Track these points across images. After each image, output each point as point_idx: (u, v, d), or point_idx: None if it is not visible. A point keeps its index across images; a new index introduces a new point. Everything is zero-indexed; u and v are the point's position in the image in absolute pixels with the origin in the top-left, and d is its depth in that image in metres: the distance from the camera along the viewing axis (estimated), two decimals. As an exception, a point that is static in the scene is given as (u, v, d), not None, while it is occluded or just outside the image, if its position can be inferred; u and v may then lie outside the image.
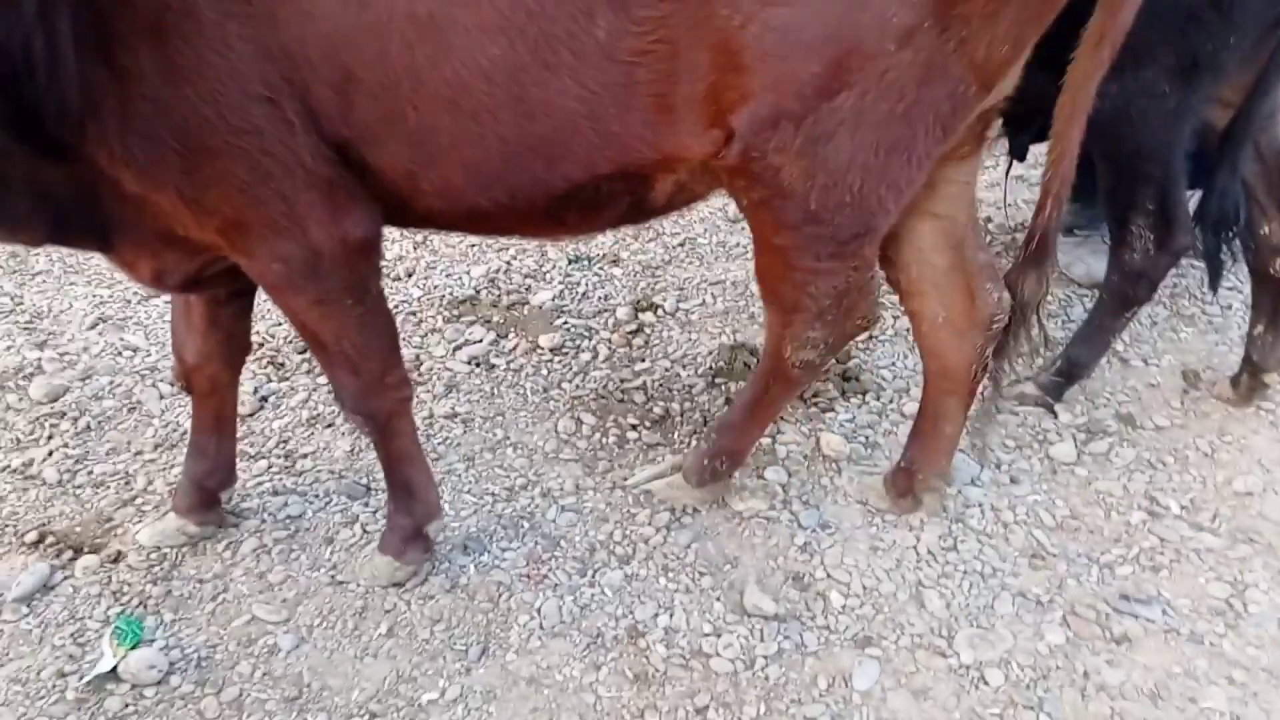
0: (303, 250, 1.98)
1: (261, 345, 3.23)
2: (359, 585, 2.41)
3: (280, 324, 3.29)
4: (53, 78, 1.75)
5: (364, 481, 2.72)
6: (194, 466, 2.55)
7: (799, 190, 1.91)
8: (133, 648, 2.25)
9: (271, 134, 1.85)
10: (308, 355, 3.16)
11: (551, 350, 3.24)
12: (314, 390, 3.06)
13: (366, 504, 2.65)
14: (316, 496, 2.69)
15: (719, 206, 4.00)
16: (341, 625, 2.33)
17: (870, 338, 3.17)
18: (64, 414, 2.98)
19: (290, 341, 3.25)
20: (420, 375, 3.13)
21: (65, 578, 2.45)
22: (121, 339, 3.33)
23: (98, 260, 3.45)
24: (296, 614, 2.35)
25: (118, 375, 3.16)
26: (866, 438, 2.83)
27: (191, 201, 1.92)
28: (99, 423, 2.96)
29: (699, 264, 3.73)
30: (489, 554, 2.50)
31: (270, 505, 2.65)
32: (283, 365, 3.18)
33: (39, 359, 3.20)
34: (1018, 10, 1.77)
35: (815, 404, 2.95)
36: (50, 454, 2.83)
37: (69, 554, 2.51)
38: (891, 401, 2.97)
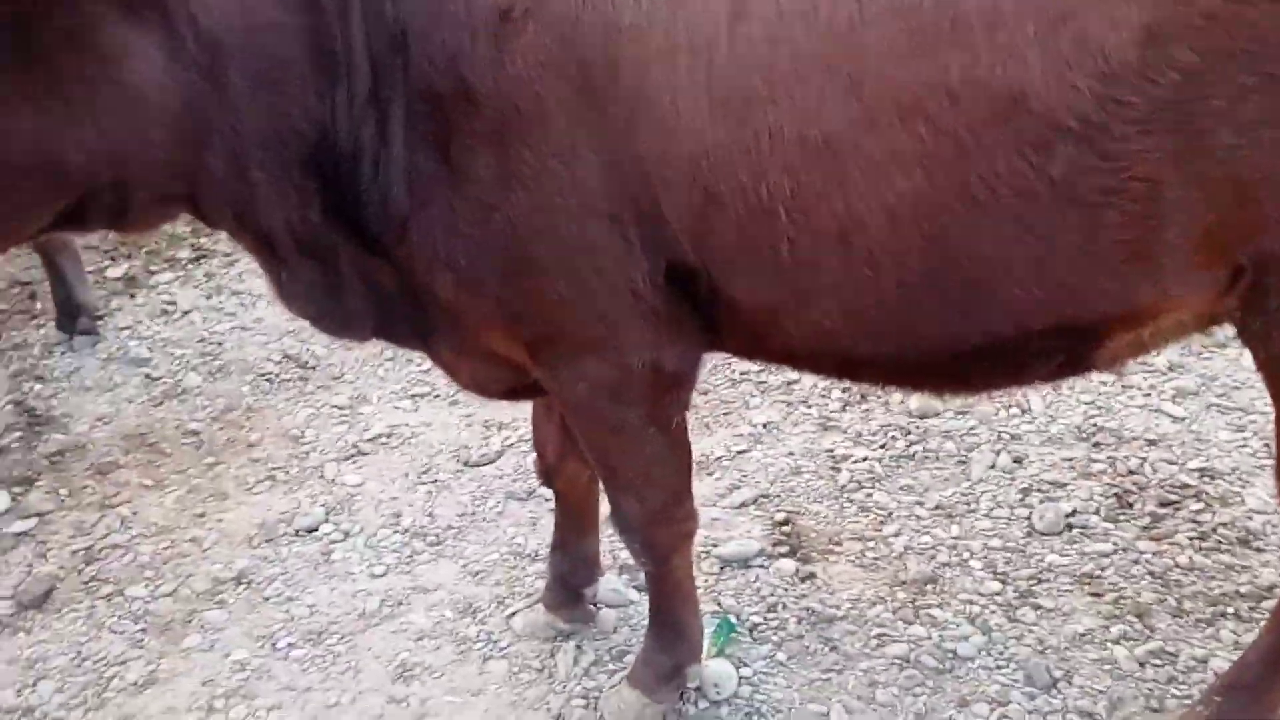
0: (612, 375, 1.83)
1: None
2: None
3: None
4: (379, 169, 1.68)
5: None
6: (558, 563, 2.47)
7: None
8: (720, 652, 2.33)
9: (606, 252, 1.69)
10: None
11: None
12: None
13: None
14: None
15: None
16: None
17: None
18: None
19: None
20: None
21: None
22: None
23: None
24: None
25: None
26: None
27: (508, 312, 1.80)
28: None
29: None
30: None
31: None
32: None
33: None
34: None
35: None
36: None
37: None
38: None
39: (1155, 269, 1.53)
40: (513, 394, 2.11)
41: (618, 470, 2.01)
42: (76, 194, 1.67)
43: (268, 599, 2.66)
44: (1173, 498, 2.65)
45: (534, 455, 2.44)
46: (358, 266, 1.82)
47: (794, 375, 3.29)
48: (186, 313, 4.00)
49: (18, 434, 3.36)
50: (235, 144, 1.66)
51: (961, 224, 1.52)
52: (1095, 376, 2.98)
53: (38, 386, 3.59)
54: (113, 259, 4.39)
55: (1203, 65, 1.37)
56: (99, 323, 3.87)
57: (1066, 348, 1.67)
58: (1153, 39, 1.37)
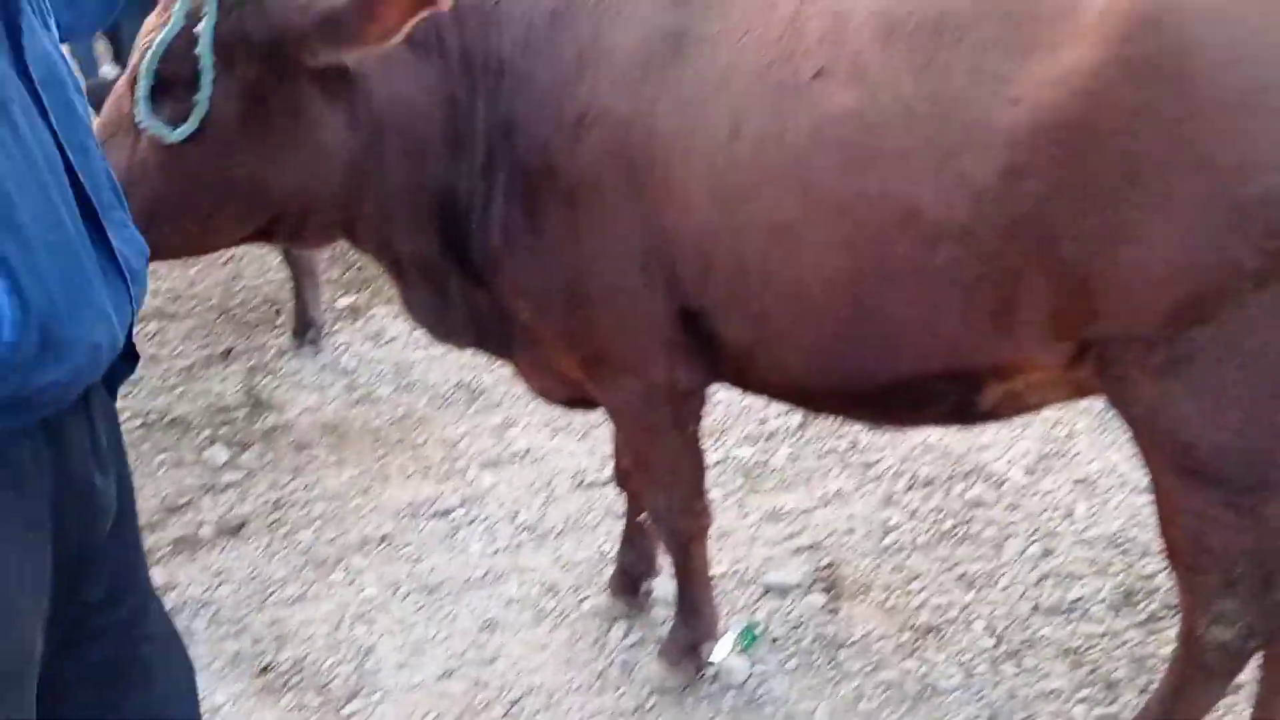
0: (643, 387, 2.36)
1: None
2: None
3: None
4: (483, 220, 2.26)
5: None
6: (623, 554, 3.02)
7: (1166, 415, 1.90)
8: (742, 650, 2.83)
9: (639, 293, 2.20)
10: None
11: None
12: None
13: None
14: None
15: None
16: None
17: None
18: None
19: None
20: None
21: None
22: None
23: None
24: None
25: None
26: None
27: (567, 334, 2.34)
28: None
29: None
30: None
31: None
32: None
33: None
34: None
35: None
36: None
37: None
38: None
39: (1015, 335, 1.95)
40: (571, 403, 2.70)
41: (651, 465, 2.58)
42: (270, 215, 2.22)
43: (401, 556, 3.32)
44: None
45: (612, 463, 3.02)
46: (462, 290, 2.39)
47: (875, 456, 3.75)
48: (392, 340, 4.84)
49: (244, 410, 4.23)
50: (385, 193, 2.23)
51: (876, 292, 2.00)
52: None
53: (266, 379, 4.47)
54: (345, 291, 5.34)
55: (1049, 193, 1.81)
56: (323, 338, 4.77)
57: (955, 391, 2.12)
58: (1011, 173, 1.82)
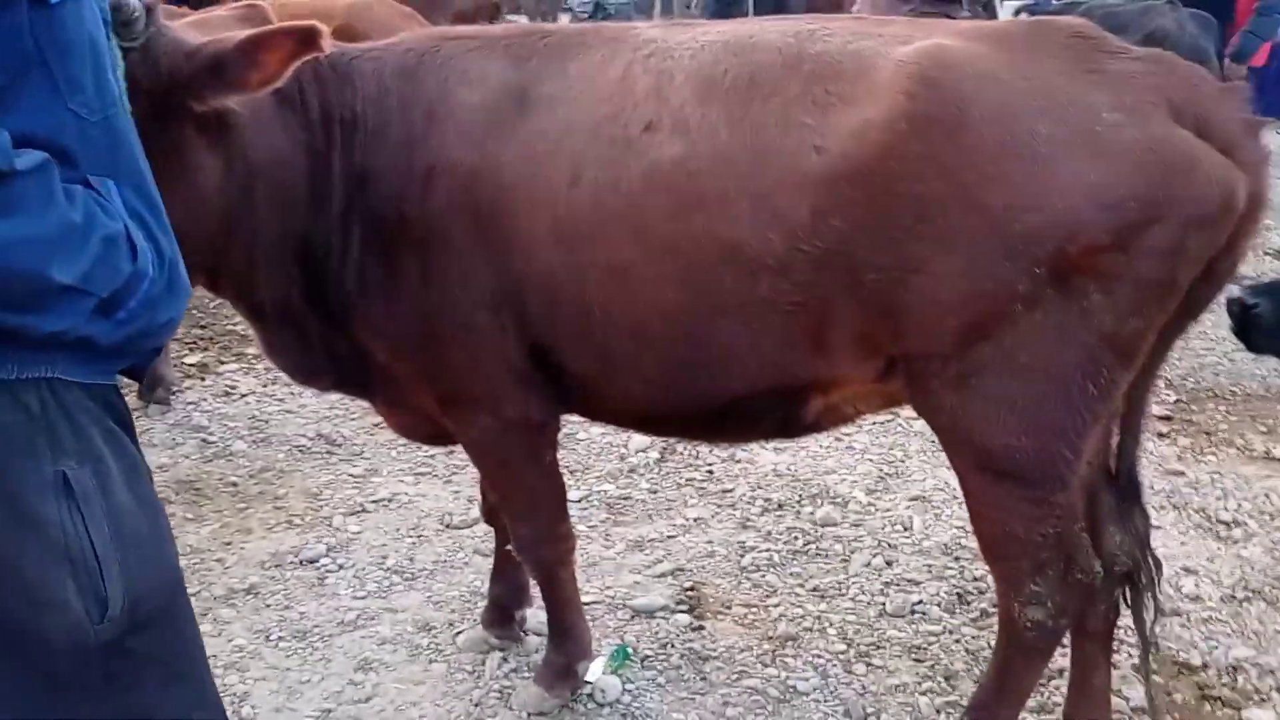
0: (496, 422, 2.46)
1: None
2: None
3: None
4: (341, 266, 2.34)
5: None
6: (494, 588, 3.09)
7: (963, 421, 2.13)
8: (614, 671, 2.92)
9: (489, 333, 2.31)
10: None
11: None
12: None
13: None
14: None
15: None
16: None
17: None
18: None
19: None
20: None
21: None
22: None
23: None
24: None
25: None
26: None
27: (423, 374, 2.43)
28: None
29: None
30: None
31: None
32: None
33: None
34: (1134, 290, 1.99)
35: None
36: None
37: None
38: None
39: (830, 354, 2.19)
40: (432, 439, 2.81)
41: (511, 498, 2.67)
42: None
43: (270, 605, 3.31)
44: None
45: (479, 500, 3.12)
46: (322, 334, 2.45)
47: (730, 484, 3.97)
48: (244, 395, 4.81)
49: (94, 470, 4.12)
50: (251, 238, 2.29)
51: (708, 322, 2.20)
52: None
53: (115, 439, 4.37)
54: (191, 349, 5.27)
55: (851, 232, 2.05)
56: (173, 396, 4.69)
57: (782, 406, 2.33)
58: (820, 213, 2.05)
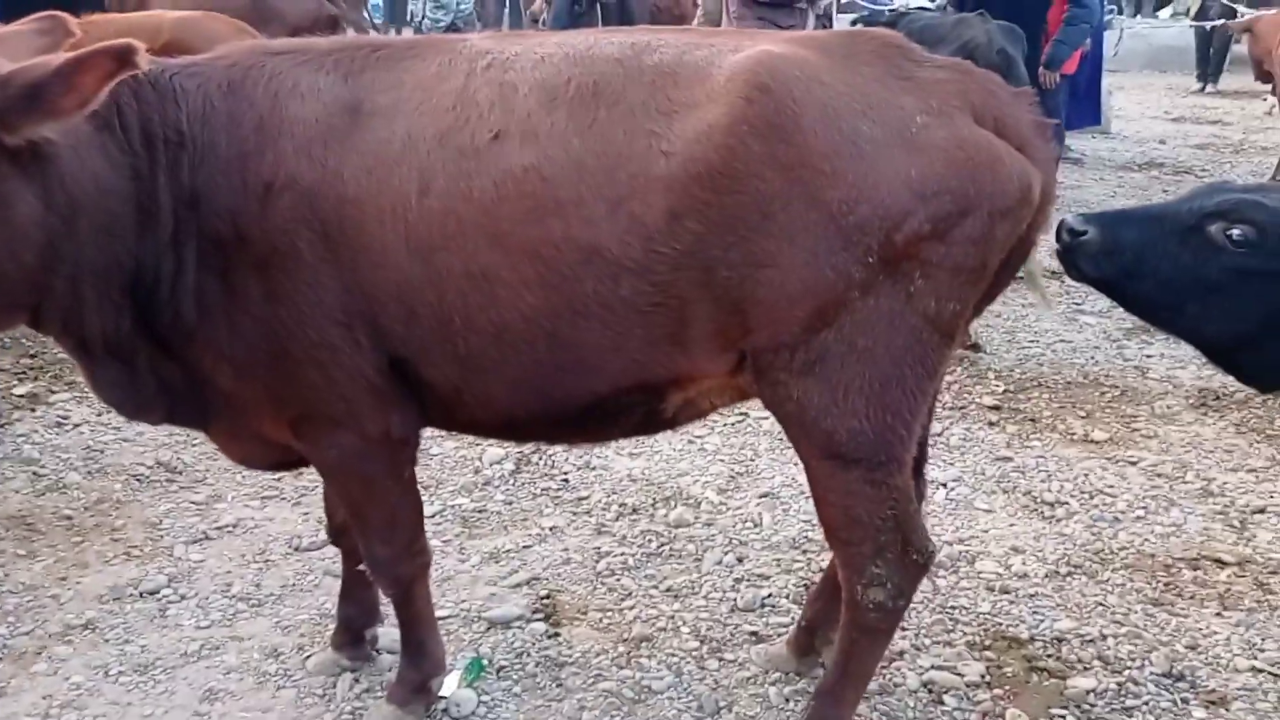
0: (356, 441, 2.41)
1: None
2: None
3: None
4: (174, 291, 2.26)
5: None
6: (344, 608, 3.02)
7: (809, 408, 2.23)
8: (469, 684, 2.92)
9: (343, 350, 2.28)
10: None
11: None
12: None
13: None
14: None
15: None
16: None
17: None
18: None
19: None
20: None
21: None
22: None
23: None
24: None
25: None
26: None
27: (273, 396, 2.37)
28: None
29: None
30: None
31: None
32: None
33: None
34: (951, 276, 2.17)
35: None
36: None
37: None
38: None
39: (688, 350, 2.26)
40: (277, 466, 2.76)
41: (368, 518, 2.61)
42: None
43: (108, 640, 3.18)
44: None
45: (325, 519, 3.07)
46: (152, 365, 2.37)
47: (585, 492, 4.01)
48: (77, 425, 4.60)
49: (-85, 510, 3.89)
50: (76, 271, 2.18)
51: (569, 323, 2.22)
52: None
53: (-63, 476, 4.13)
54: (20, 379, 5.01)
55: (705, 231, 2.14)
56: (1, 429, 4.46)
57: (643, 403, 2.39)
58: (673, 216, 2.14)
